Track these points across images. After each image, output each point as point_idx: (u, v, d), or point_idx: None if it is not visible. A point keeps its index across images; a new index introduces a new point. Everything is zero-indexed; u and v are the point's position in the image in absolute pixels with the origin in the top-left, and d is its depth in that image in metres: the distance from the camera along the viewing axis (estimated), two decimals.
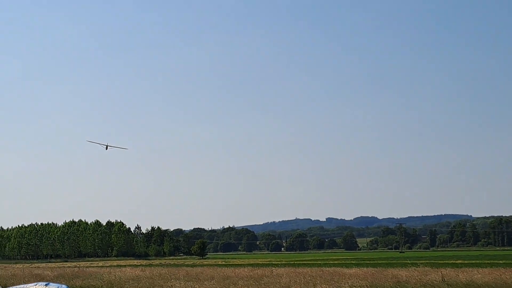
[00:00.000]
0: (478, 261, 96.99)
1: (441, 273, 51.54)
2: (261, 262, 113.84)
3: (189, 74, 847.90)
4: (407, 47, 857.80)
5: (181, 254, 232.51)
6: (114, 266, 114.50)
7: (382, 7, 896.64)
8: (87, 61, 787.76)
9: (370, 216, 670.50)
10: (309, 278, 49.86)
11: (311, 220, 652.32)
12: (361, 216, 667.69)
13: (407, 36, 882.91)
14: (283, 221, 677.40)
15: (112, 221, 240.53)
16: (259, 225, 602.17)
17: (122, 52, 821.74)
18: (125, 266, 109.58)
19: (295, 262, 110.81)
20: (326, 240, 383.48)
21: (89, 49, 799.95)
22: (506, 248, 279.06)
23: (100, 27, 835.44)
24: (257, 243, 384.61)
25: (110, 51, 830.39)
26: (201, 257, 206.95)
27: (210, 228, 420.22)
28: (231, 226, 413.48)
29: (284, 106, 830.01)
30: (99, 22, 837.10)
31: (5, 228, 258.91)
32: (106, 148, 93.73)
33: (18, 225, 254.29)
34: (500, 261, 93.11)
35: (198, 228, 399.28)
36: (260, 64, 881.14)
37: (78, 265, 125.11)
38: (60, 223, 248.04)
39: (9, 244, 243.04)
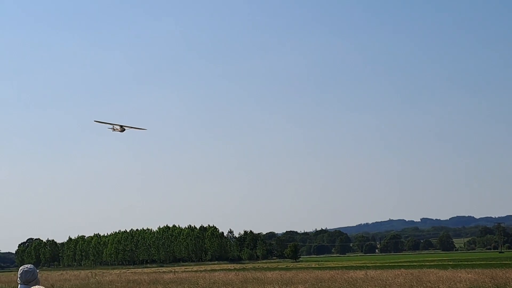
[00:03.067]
0: None
1: None
2: (354, 265, 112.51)
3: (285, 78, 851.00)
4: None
5: (274, 258, 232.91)
6: (208, 270, 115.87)
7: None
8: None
9: (466, 215, 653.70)
10: (404, 281, 48.81)
11: (405, 220, 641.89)
12: (457, 216, 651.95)
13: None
14: (376, 222, 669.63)
15: (205, 226, 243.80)
16: (352, 226, 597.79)
17: None
18: (219, 270, 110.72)
19: (390, 264, 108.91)
20: (421, 241, 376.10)
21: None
22: None
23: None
24: (351, 245, 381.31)
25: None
26: (294, 260, 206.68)
27: (302, 231, 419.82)
28: (323, 228, 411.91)
29: (375, 106, 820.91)
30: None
31: (102, 234, 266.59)
32: (122, 130, 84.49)
33: (115, 231, 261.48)
34: None
35: (291, 231, 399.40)
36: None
37: (173, 270, 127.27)
38: (154, 228, 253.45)
39: (106, 250, 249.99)
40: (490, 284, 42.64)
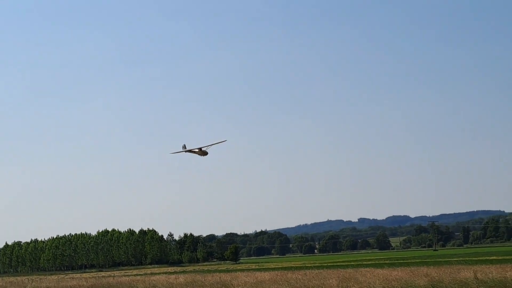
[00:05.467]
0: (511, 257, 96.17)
1: (474, 270, 51.41)
2: (294, 265, 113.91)
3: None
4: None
5: (215, 260, 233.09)
6: (148, 274, 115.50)
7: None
8: None
9: (402, 215, 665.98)
10: (342, 279, 50.04)
11: (343, 221, 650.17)
12: (393, 215, 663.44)
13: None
14: (315, 223, 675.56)
15: (144, 229, 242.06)
16: (292, 228, 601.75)
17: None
18: (159, 273, 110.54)
19: (329, 264, 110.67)
20: (359, 240, 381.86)
21: None
22: None
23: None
24: (290, 246, 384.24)
25: None
26: (235, 262, 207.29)
27: (242, 233, 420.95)
28: (263, 230, 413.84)
29: (312, 110, 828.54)
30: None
31: (40, 239, 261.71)
32: (203, 154, 73.47)
33: (53, 236, 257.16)
34: None
35: (231, 233, 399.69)
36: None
37: (112, 274, 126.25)
38: (93, 233, 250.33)
39: (43, 256, 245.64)
40: (424, 282, 44.16)
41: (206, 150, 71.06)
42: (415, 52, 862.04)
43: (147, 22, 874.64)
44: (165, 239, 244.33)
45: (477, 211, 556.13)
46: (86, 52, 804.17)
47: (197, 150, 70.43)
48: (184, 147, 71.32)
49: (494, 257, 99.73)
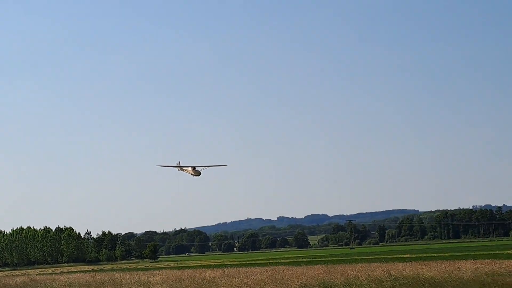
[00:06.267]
0: (425, 255, 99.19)
1: (388, 268, 52.80)
2: (213, 263, 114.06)
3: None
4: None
5: (133, 258, 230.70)
6: (65, 272, 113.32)
7: None
8: None
9: (320, 213, 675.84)
10: (261, 277, 50.42)
11: (263, 219, 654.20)
12: (311, 214, 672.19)
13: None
14: (235, 221, 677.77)
15: (61, 227, 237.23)
16: (211, 226, 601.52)
17: None
18: (75, 272, 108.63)
19: (247, 262, 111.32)
20: (278, 239, 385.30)
21: None
22: (451, 241, 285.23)
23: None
24: (210, 244, 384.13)
25: None
26: (154, 260, 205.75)
27: (162, 231, 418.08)
28: (183, 228, 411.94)
29: (225, 110, 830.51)
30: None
31: None
32: (196, 174, 68.64)
33: None
34: (446, 254, 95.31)
35: (150, 231, 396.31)
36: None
37: (27, 273, 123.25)
38: (7, 230, 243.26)
39: None
40: (340, 279, 45.01)
41: (200, 171, 67.13)
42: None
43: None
44: (83, 237, 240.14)
45: (393, 210, 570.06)
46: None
47: (190, 168, 66.73)
48: (179, 163, 68.63)
49: (408, 255, 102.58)
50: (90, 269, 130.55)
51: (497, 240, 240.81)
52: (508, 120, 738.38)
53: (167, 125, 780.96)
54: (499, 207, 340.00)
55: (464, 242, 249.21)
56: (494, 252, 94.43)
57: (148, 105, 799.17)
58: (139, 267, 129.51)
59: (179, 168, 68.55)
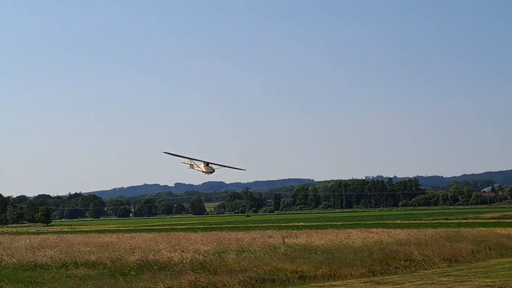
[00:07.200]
0: (318, 223, 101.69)
1: (282, 235, 53.88)
2: (108, 228, 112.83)
3: None
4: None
5: (25, 222, 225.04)
6: None
7: None
8: None
9: (218, 181, 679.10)
10: (155, 242, 50.37)
11: (160, 185, 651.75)
12: (209, 181, 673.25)
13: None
14: (131, 186, 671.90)
15: None
16: (107, 191, 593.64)
17: None
18: None
19: (143, 228, 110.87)
20: (174, 205, 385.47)
21: None
22: (344, 210, 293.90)
23: None
24: (105, 209, 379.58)
25: None
26: (46, 224, 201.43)
27: (56, 195, 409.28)
28: (78, 192, 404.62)
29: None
30: None
31: None
32: (209, 171, 62.89)
33: None
34: (338, 223, 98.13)
35: (43, 194, 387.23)
36: None
37: None
38: None
39: None
40: (235, 245, 45.55)
41: (213, 168, 61.54)
42: None
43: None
44: None
45: (289, 179, 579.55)
46: None
47: (202, 164, 61.21)
48: (190, 160, 63.60)
49: (302, 223, 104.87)
50: None
51: (387, 210, 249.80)
52: (398, 99, 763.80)
53: None
54: (390, 178, 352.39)
55: (356, 211, 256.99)
56: (384, 221, 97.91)
57: None
58: (30, 231, 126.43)
59: (189, 166, 63.76)
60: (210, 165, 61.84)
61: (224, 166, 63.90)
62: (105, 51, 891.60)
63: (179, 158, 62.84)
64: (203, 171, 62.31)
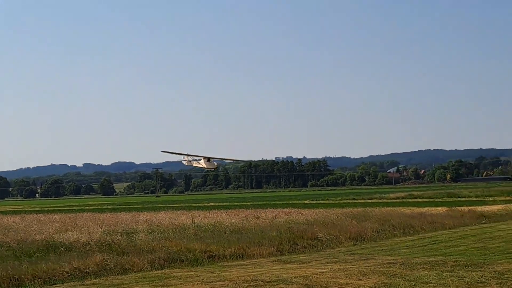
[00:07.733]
0: (228, 204, 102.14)
1: (192, 215, 53.94)
2: (13, 209, 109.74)
3: None
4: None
5: None
6: None
7: None
8: None
9: (127, 161, 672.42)
10: (62, 224, 49.40)
11: (68, 165, 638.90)
12: (118, 162, 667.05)
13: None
14: (38, 166, 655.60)
15: None
16: (13, 171, 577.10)
17: None
18: None
19: (49, 209, 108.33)
20: (83, 186, 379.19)
21: None
22: (254, 190, 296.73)
23: None
24: (10, 190, 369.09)
25: None
26: None
27: None
28: None
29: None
30: None
31: None
32: (213, 167, 62.70)
33: None
34: (248, 203, 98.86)
35: None
36: None
37: None
38: None
39: None
40: (144, 225, 45.25)
41: (215, 163, 60.11)
42: None
43: None
44: None
45: None
46: None
47: (202, 160, 59.26)
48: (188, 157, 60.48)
49: (212, 204, 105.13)
50: None
51: (296, 191, 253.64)
52: (306, 80, 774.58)
53: None
54: (299, 159, 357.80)
55: (265, 192, 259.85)
56: (293, 202, 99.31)
57: None
58: None
59: (187, 162, 61.50)
60: (211, 160, 60.76)
61: (226, 159, 64.54)
62: None
63: (178, 156, 61.94)
64: (204, 167, 61.63)
